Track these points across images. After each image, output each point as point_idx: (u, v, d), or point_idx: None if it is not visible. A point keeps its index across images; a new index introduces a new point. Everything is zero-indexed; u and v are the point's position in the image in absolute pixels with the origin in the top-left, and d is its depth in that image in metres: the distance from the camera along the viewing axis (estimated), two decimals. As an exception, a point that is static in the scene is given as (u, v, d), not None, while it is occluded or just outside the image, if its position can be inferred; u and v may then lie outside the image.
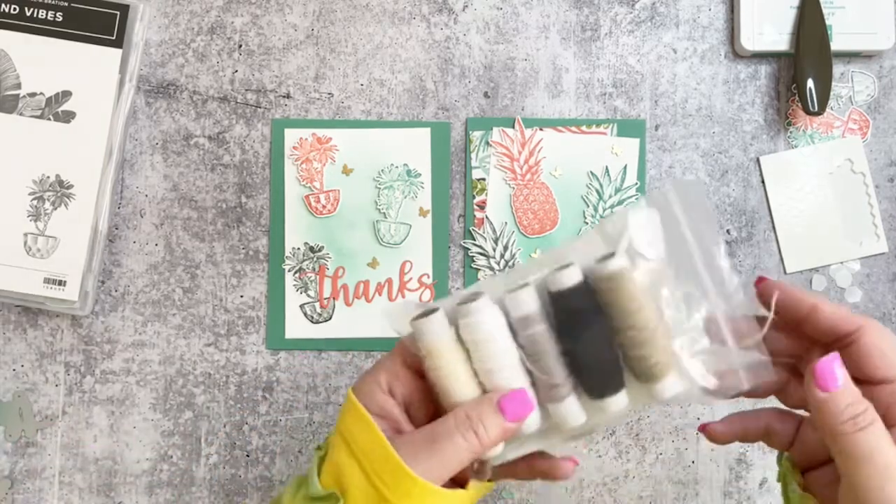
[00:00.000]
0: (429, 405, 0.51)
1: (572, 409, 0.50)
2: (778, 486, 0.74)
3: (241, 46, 0.75)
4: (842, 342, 0.49)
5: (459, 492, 0.50)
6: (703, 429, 0.55)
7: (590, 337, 0.49)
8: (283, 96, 0.75)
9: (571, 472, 0.52)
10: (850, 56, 0.76)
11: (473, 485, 0.52)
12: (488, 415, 0.48)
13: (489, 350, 0.49)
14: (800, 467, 0.53)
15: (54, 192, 0.71)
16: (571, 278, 0.48)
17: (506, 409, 0.48)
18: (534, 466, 0.53)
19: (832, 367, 0.47)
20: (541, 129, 0.75)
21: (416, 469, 0.48)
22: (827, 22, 0.73)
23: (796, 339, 0.52)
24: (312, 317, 0.74)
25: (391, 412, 0.51)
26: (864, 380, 0.48)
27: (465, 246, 0.74)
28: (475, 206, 0.74)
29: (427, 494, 0.48)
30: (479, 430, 0.48)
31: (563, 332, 0.49)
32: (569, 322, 0.49)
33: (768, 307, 0.50)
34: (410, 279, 0.74)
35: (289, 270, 0.74)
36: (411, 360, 0.51)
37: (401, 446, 0.48)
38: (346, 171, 0.74)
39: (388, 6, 0.75)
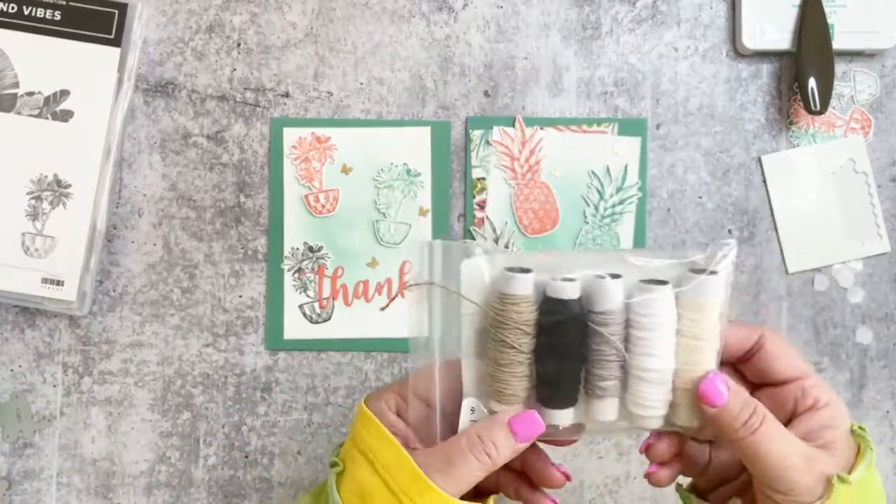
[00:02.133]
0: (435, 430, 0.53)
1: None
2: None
3: (239, 45, 0.74)
4: (749, 353, 0.54)
5: None
6: (648, 476, 0.57)
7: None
8: (282, 95, 0.74)
9: (561, 483, 0.55)
10: (852, 55, 0.75)
11: (493, 498, 0.55)
12: (500, 437, 0.51)
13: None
14: (708, 487, 0.58)
15: (52, 191, 0.71)
16: (571, 292, 0.50)
17: (517, 432, 0.51)
18: (528, 464, 0.56)
19: (715, 385, 0.51)
20: (541, 129, 0.74)
21: (436, 486, 0.50)
22: (829, 20, 0.73)
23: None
24: (311, 317, 0.74)
25: (401, 431, 0.53)
26: (769, 382, 0.54)
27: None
28: (475, 206, 0.74)
29: None
30: (491, 453, 0.51)
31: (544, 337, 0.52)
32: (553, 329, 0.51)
33: None
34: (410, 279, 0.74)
35: (288, 270, 0.74)
36: (424, 392, 0.53)
37: (419, 464, 0.51)
38: (346, 170, 0.74)
39: (387, 4, 0.75)
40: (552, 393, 0.52)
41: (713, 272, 0.50)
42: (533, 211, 0.74)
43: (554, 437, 0.53)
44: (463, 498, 0.51)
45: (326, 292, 0.74)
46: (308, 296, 0.74)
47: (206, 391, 0.73)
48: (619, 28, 0.75)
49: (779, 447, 0.51)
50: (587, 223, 0.74)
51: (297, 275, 0.74)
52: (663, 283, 0.51)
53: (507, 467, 0.55)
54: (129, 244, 0.74)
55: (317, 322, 0.74)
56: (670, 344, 0.51)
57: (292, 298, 0.74)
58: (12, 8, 0.71)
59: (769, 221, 0.75)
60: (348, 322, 0.74)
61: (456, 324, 0.52)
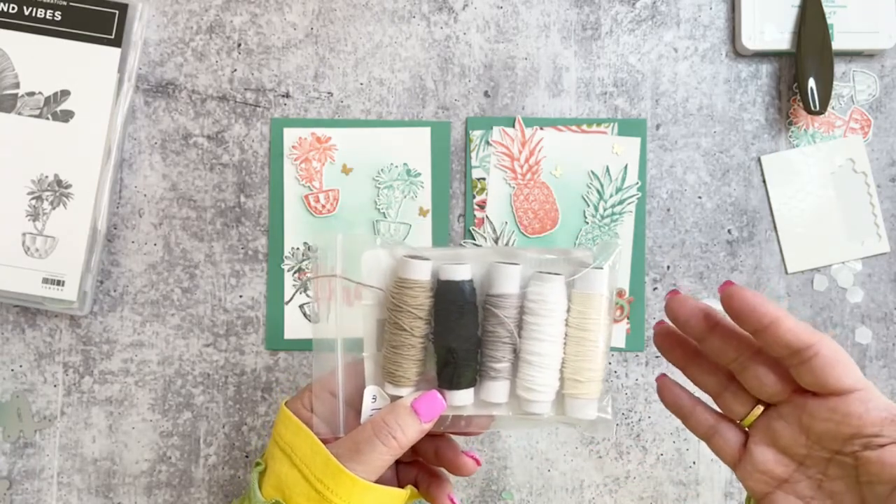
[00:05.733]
0: (348, 419, 0.56)
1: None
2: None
3: (240, 45, 0.75)
4: (800, 356, 0.48)
5: (394, 489, 0.55)
6: (660, 378, 0.56)
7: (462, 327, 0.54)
8: (283, 95, 0.74)
9: (473, 469, 0.58)
10: (852, 55, 0.75)
11: (409, 488, 0.58)
12: (404, 419, 0.53)
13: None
14: (756, 493, 0.52)
15: (53, 191, 0.71)
16: (462, 274, 0.54)
17: (420, 412, 0.53)
18: (440, 453, 0.59)
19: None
20: (541, 129, 0.74)
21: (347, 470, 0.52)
22: (828, 21, 0.73)
23: (737, 346, 0.51)
24: (312, 317, 0.74)
25: (317, 426, 0.56)
26: (829, 392, 0.48)
27: (465, 246, 0.74)
28: (475, 206, 0.74)
29: (366, 491, 0.52)
30: (397, 435, 0.53)
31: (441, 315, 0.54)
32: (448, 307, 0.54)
33: (730, 312, 0.50)
34: (410, 279, 0.74)
35: (288, 270, 0.74)
36: (332, 387, 0.56)
37: (332, 454, 0.53)
38: (346, 170, 0.74)
39: (387, 5, 0.75)
40: (450, 373, 0.54)
41: (599, 267, 0.54)
42: (533, 211, 0.74)
43: (462, 428, 0.56)
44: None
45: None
46: (308, 296, 0.74)
47: (207, 391, 0.73)
48: (618, 28, 0.75)
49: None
50: (587, 223, 0.74)
51: (297, 275, 0.74)
52: (557, 275, 0.54)
53: (426, 469, 0.60)
54: (130, 244, 0.74)
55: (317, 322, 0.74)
56: (559, 332, 0.54)
57: (292, 298, 0.74)
58: (13, 8, 0.71)
59: (768, 221, 0.75)
60: (349, 322, 0.74)
61: (358, 321, 0.56)
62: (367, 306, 0.56)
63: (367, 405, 0.55)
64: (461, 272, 0.54)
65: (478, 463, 0.59)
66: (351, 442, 0.54)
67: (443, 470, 0.60)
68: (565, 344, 0.55)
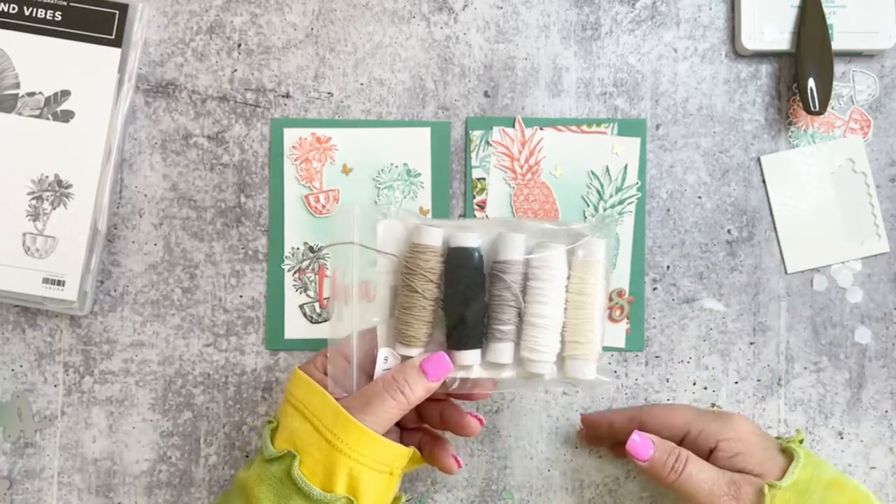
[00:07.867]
0: (360, 382, 0.60)
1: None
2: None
3: (240, 46, 0.75)
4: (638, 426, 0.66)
5: (398, 445, 0.59)
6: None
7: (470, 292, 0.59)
8: (283, 96, 0.74)
9: (477, 429, 0.62)
10: (852, 55, 0.75)
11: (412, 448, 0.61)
12: (413, 377, 0.57)
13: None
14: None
15: (53, 191, 0.71)
16: (472, 241, 0.59)
17: (427, 371, 0.58)
18: (445, 416, 0.63)
19: (641, 444, 0.62)
20: (541, 129, 0.74)
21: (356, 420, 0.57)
22: (828, 21, 0.73)
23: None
24: (312, 317, 0.74)
25: (329, 386, 0.59)
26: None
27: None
28: (475, 206, 0.74)
29: (373, 442, 0.57)
30: (405, 391, 0.57)
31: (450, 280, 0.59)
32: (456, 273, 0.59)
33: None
34: (410, 279, 0.74)
35: (288, 270, 0.74)
36: (345, 350, 0.60)
37: (343, 407, 0.57)
38: (346, 170, 0.74)
39: (387, 5, 0.75)
40: (459, 334, 0.58)
41: (598, 236, 0.59)
42: (533, 211, 0.74)
43: (468, 390, 0.60)
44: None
45: (327, 292, 0.74)
46: (308, 296, 0.74)
47: (207, 391, 0.73)
48: (618, 29, 0.75)
49: (705, 479, 0.60)
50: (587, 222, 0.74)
51: (297, 275, 0.74)
52: (559, 244, 0.59)
53: (429, 434, 0.64)
54: (130, 244, 0.74)
55: (317, 322, 0.74)
56: (561, 296, 0.59)
57: (293, 298, 0.74)
58: (13, 8, 0.71)
59: (768, 221, 0.75)
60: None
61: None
62: (381, 274, 0.59)
63: (380, 365, 0.59)
64: (470, 239, 0.59)
65: (481, 423, 0.63)
66: (362, 396, 0.58)
67: (445, 435, 0.64)
68: (565, 309, 0.59)
